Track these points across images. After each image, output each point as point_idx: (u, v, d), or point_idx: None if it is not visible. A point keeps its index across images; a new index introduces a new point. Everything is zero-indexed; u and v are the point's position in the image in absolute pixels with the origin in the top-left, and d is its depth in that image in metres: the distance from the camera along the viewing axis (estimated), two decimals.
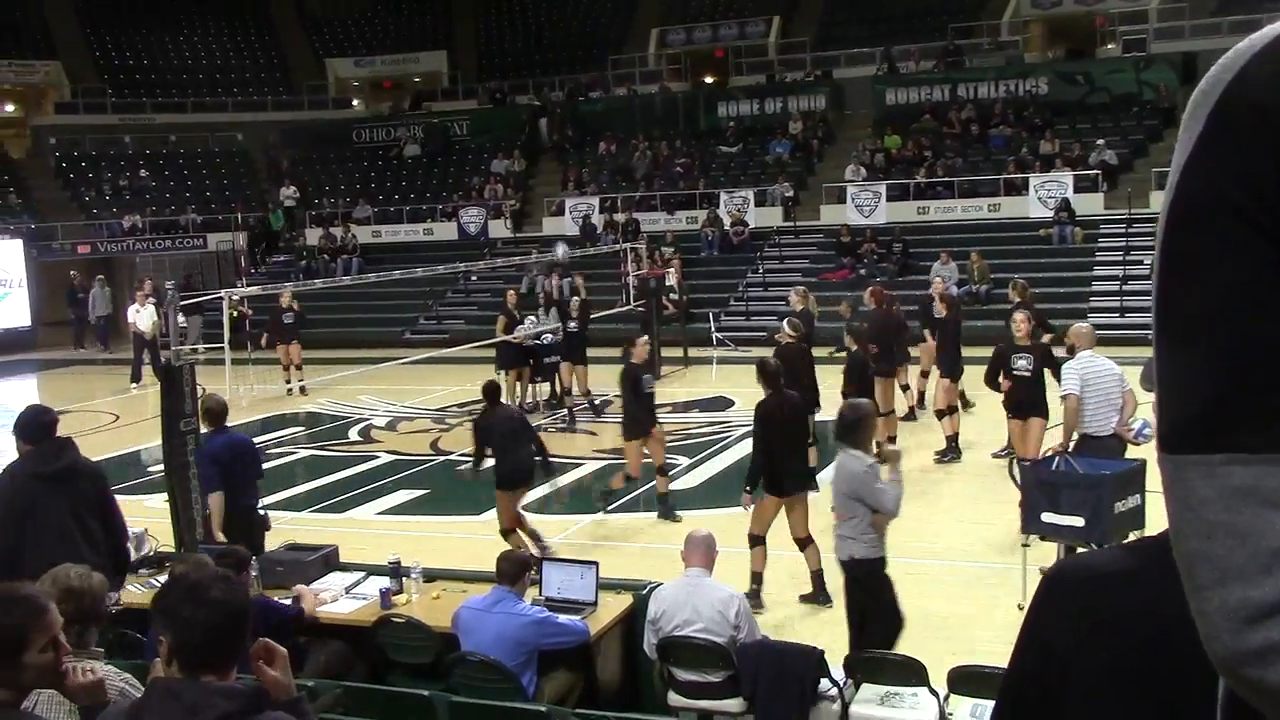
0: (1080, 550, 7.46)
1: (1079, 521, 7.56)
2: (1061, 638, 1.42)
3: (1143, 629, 1.35)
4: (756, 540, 8.62)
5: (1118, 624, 1.38)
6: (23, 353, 27.38)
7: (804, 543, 8.65)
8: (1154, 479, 7.78)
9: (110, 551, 6.13)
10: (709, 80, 34.71)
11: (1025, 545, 8.03)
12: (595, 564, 6.56)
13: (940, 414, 13.17)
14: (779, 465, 8.60)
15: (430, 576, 6.97)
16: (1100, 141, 25.70)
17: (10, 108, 35.73)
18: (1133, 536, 7.67)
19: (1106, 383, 8.94)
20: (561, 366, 16.51)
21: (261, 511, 8.59)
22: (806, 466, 8.97)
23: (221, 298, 11.91)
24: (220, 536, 7.72)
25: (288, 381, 18.29)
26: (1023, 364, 10.15)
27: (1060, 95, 28.35)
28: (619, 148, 31.85)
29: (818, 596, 8.59)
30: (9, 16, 35.22)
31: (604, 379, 17.41)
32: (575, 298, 17.55)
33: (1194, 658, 1.29)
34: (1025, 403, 10.17)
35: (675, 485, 12.56)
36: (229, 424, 8.68)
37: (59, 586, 3.76)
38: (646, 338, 10.41)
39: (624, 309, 20.15)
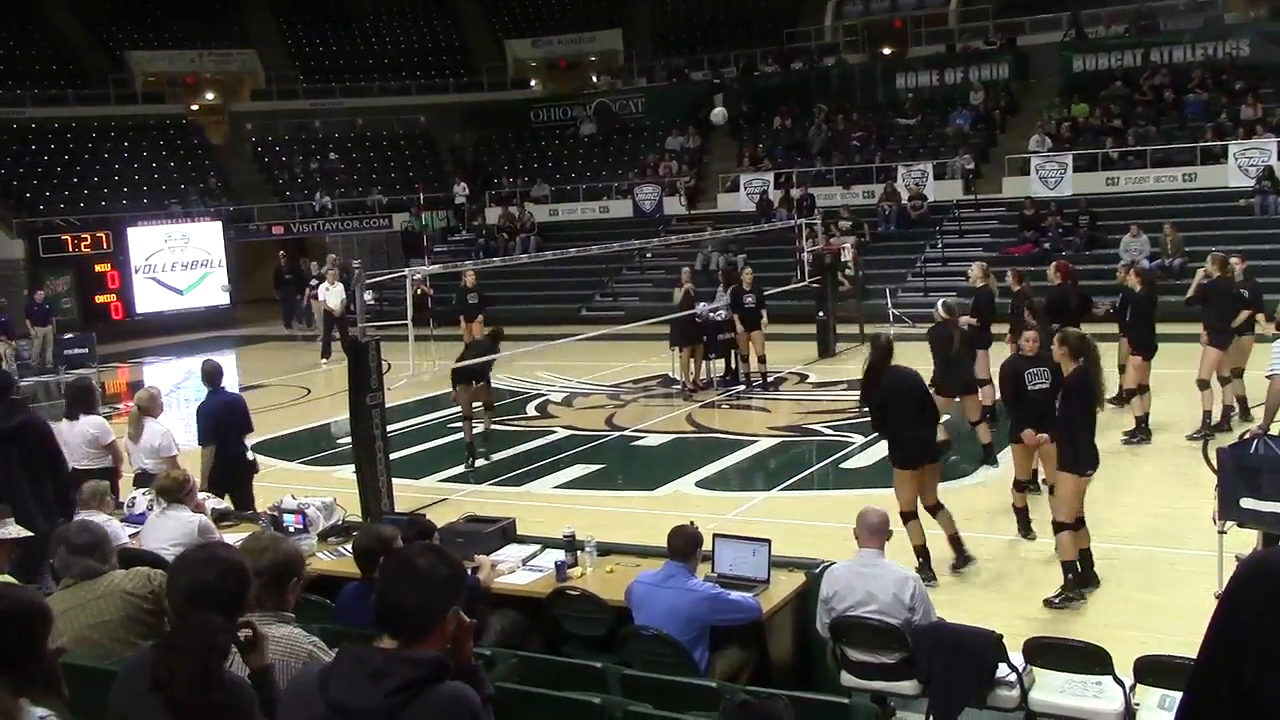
0: None
1: None
2: (1258, 632, 1.33)
3: None
4: (908, 516, 8.57)
5: None
6: (223, 329, 28.81)
7: (934, 510, 8.71)
8: None
9: (56, 498, 7.22)
10: (887, 51, 34.01)
11: (1222, 532, 7.64)
12: (768, 541, 6.52)
13: (1130, 393, 12.66)
14: (900, 437, 8.62)
15: (604, 550, 7.04)
16: None
17: (210, 95, 37.51)
18: None
19: None
20: (740, 336, 16.54)
21: (251, 457, 9.86)
22: (927, 437, 8.72)
23: (405, 276, 12.21)
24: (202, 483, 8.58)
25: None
26: (1039, 378, 9.19)
27: (1264, 57, 26.74)
28: (794, 122, 31.52)
29: (962, 560, 8.71)
30: (208, 8, 36.99)
31: (776, 356, 17.32)
32: (748, 270, 17.46)
33: None
34: (1045, 418, 8.87)
35: (848, 464, 12.44)
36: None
37: (252, 544, 3.93)
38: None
39: (799, 285, 19.98)
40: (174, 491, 6.94)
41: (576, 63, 39.86)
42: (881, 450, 12.71)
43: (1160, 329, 12.71)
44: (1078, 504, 8.05)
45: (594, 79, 39.28)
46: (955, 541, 8.78)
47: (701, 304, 16.66)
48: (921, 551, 8.53)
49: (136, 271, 29.09)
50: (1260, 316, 12.28)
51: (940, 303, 12.02)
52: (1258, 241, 21.15)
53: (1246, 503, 7.36)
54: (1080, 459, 7.99)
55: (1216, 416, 12.28)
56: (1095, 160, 25.53)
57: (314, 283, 24.65)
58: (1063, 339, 8.23)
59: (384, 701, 2.63)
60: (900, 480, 8.66)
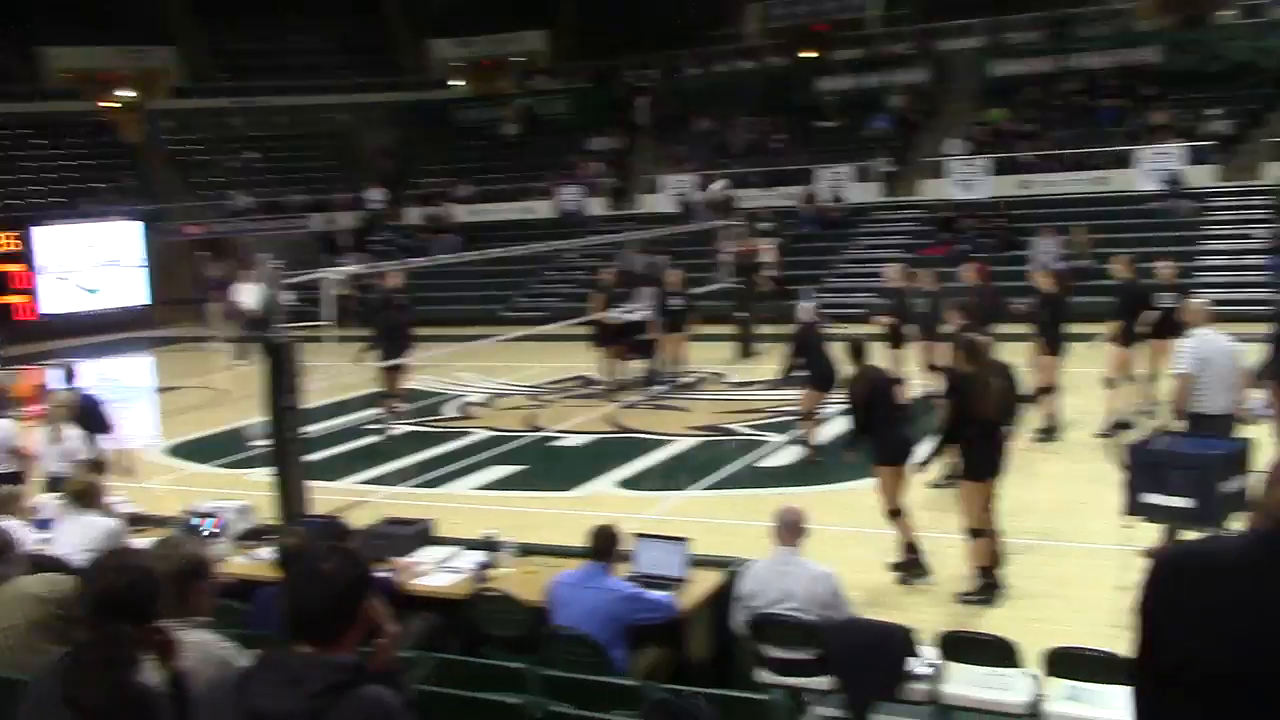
0: (1190, 537, 7.29)
1: (1186, 502, 7.35)
2: (1170, 625, 1.40)
3: (1250, 616, 1.32)
4: (893, 514, 8.63)
5: (1226, 612, 1.35)
6: (139, 330, 28.27)
7: (894, 515, 8.69)
8: (1262, 459, 7.57)
9: None
10: (809, 55, 34.34)
11: (1126, 528, 7.86)
12: (686, 540, 6.58)
13: (1040, 392, 12.92)
14: (883, 435, 8.71)
15: (524, 551, 7.05)
16: (1214, 112, 24.87)
17: (126, 92, 36.77)
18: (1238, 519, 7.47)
19: (1222, 360, 8.71)
20: (663, 339, 16.57)
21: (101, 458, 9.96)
22: (908, 435, 8.87)
23: (324, 277, 12.10)
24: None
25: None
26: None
27: (1173, 64, 27.47)
28: (717, 124, 31.72)
29: (910, 567, 8.65)
30: (125, 4, 36.22)
31: (695, 356, 17.42)
32: (676, 271, 17.54)
33: None
34: None
35: (767, 462, 12.57)
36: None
37: (159, 553, 3.88)
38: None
39: (719, 286, 20.10)
40: (85, 495, 6.82)
41: (500, 63, 39.70)
42: (799, 450, 12.95)
43: (1070, 329, 13.01)
44: (979, 510, 8.11)
45: (517, 79, 39.17)
46: (908, 548, 8.72)
47: (621, 306, 16.69)
48: (912, 547, 8.62)
49: (43, 272, 28.43)
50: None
51: (805, 305, 12.79)
52: (1165, 244, 21.65)
53: (1151, 498, 7.57)
54: (972, 466, 8.11)
55: (1123, 414, 12.60)
56: (1010, 164, 26.02)
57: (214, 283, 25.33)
58: (961, 343, 8.47)
59: (305, 705, 2.62)
60: (883, 478, 8.70)
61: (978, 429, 8.03)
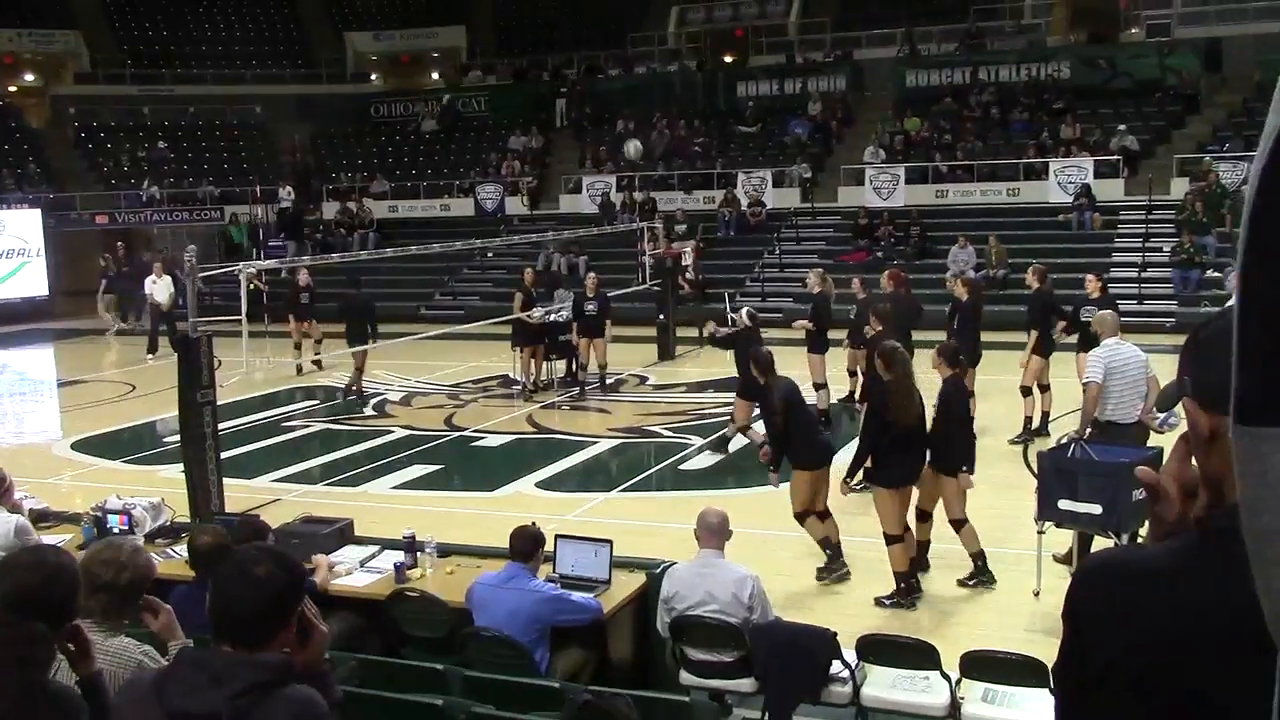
0: (1102, 544, 7.45)
1: (1096, 509, 7.52)
2: (1099, 636, 1.42)
3: (1181, 626, 1.35)
4: (802, 517, 8.70)
5: (1156, 621, 1.38)
6: (40, 322, 27.49)
7: (802, 517, 8.74)
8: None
9: None
10: (728, 59, 34.54)
11: (1040, 532, 8.01)
12: (609, 542, 6.56)
13: None
14: (791, 444, 8.78)
15: (444, 551, 6.98)
16: (1122, 127, 25.51)
17: (30, 77, 35.77)
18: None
19: (1132, 370, 8.90)
20: (580, 343, 16.47)
21: None
22: (813, 444, 8.96)
23: (238, 270, 11.89)
24: None
25: (298, 360, 18.29)
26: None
27: (1082, 80, 28.14)
28: (637, 126, 31.75)
29: (831, 565, 8.74)
30: None
31: (616, 359, 17.41)
32: (591, 274, 17.49)
33: (1233, 655, 1.28)
34: None
35: (687, 466, 12.61)
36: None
37: (106, 554, 3.78)
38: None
39: (639, 288, 20.13)
40: None
41: (418, 58, 39.33)
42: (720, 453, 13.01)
43: (985, 337, 13.24)
44: (893, 517, 8.17)
45: (435, 75, 38.84)
46: (827, 545, 8.81)
47: (538, 307, 16.59)
48: (831, 545, 8.71)
49: None
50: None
51: (744, 311, 12.93)
52: (1075, 255, 22.18)
53: (1064, 504, 7.73)
54: (888, 473, 8.21)
55: (1036, 421, 12.84)
56: (926, 173, 26.43)
57: (104, 280, 25.50)
58: (880, 351, 8.59)
59: (227, 706, 2.54)
60: (799, 482, 8.75)
61: (898, 435, 8.13)
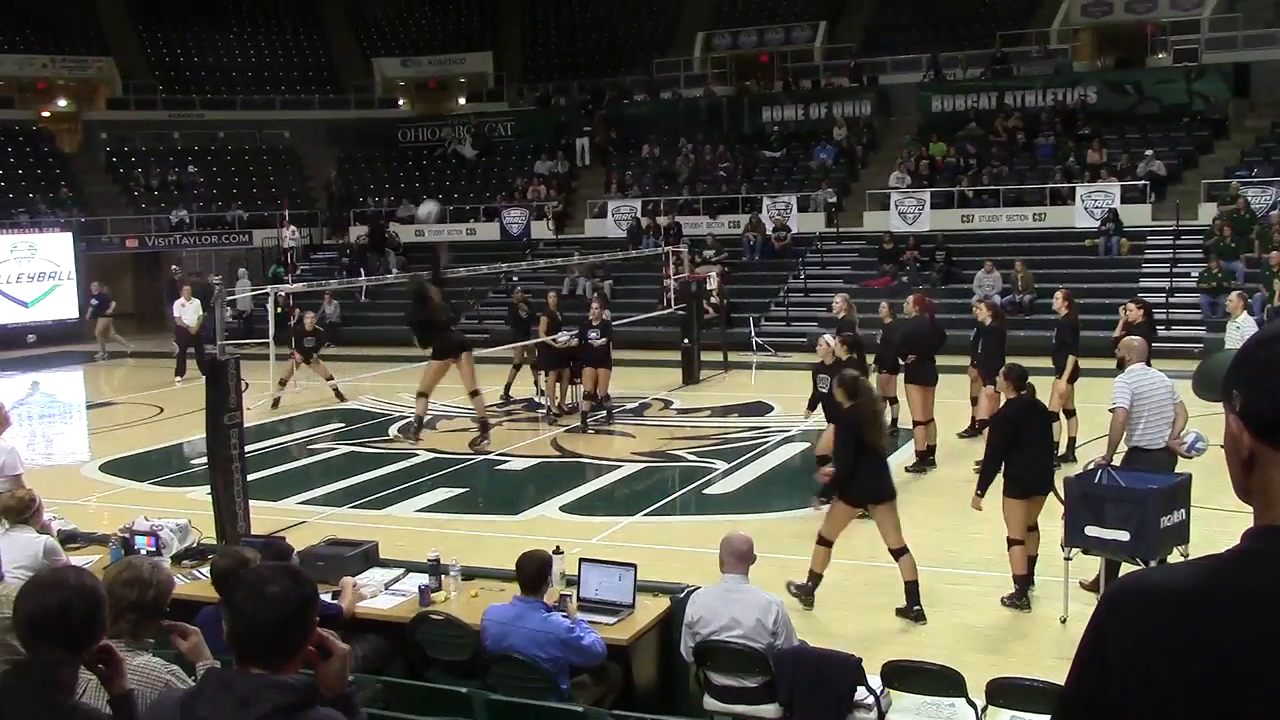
0: (1140, 566, 7.39)
1: (1124, 536, 7.47)
2: (1125, 656, 1.40)
3: (1209, 650, 1.33)
4: (823, 543, 8.69)
5: (1184, 645, 1.36)
6: (71, 344, 27.72)
7: (821, 543, 8.74)
8: (1199, 493, 7.72)
9: None
10: (753, 85, 34.65)
11: (1067, 559, 7.96)
12: (634, 566, 6.54)
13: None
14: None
15: (469, 575, 6.99)
16: (1149, 152, 25.45)
17: (63, 102, 36.18)
18: (1176, 552, 7.60)
19: (1158, 395, 8.85)
20: (584, 372, 16.13)
21: None
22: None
23: (267, 294, 11.99)
24: None
25: (277, 398, 16.88)
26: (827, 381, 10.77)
27: (1109, 105, 28.11)
28: (662, 151, 31.87)
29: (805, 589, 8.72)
30: (62, 13, 35.73)
31: (640, 382, 17.39)
32: (595, 303, 17.07)
33: (1262, 679, 1.28)
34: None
35: (711, 490, 12.59)
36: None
37: (128, 574, 3.81)
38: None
39: (664, 312, 20.15)
40: (19, 511, 6.65)
41: (446, 84, 39.63)
42: (746, 476, 12.98)
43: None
44: (1016, 521, 8.51)
45: (462, 101, 39.12)
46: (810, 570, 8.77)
47: (563, 331, 16.55)
48: (811, 577, 8.69)
49: None
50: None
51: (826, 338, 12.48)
52: (1101, 280, 22.13)
53: (1090, 530, 7.68)
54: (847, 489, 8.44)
55: (1063, 448, 12.76)
56: (951, 198, 26.40)
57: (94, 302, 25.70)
58: (839, 381, 8.79)
59: None
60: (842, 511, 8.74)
61: (869, 457, 8.40)
